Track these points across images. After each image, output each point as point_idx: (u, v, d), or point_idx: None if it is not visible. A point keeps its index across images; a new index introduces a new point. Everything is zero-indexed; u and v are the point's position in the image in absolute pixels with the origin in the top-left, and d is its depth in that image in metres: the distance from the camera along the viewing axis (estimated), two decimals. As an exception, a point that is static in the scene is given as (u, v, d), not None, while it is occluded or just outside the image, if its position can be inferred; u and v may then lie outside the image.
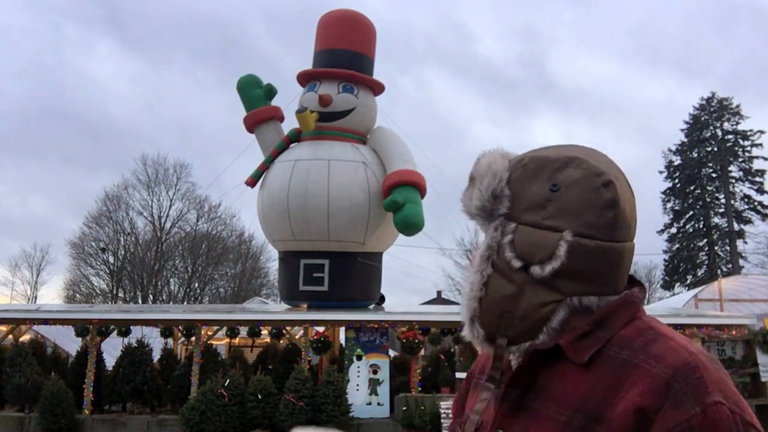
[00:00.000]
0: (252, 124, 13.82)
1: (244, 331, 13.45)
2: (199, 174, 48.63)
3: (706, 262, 37.36)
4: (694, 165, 37.81)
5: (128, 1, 64.52)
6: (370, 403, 11.65)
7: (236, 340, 15.23)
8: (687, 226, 38.29)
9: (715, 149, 37.72)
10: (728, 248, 36.83)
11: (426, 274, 59.50)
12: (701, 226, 37.72)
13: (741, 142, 37.41)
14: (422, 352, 12.44)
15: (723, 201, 37.39)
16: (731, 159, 37.28)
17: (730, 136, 37.67)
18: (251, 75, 14.17)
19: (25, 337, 14.32)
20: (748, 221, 36.48)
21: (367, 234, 12.68)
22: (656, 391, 0.88)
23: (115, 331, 12.24)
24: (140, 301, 36.27)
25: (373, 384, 11.79)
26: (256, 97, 13.83)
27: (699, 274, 37.08)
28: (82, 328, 12.03)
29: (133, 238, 38.00)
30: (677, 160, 38.77)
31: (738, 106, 37.84)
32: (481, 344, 1.05)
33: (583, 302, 0.97)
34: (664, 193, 38.96)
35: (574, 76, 75.32)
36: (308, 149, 13.02)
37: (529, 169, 1.02)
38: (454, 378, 12.09)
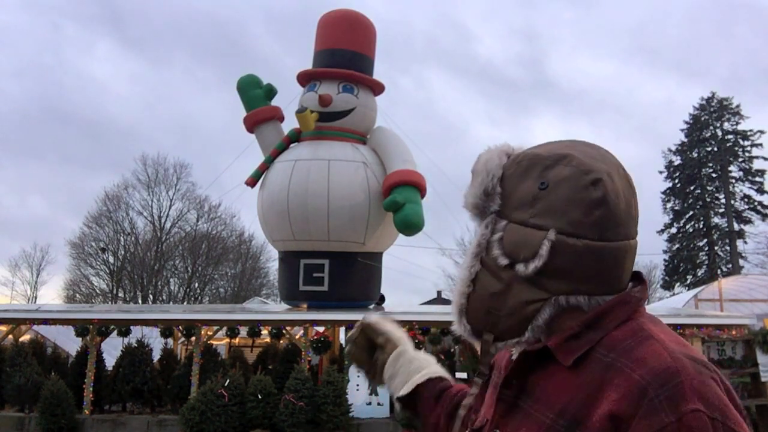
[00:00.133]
0: (252, 124, 13.82)
1: (244, 331, 13.43)
2: (199, 174, 48.60)
3: (706, 262, 37.38)
4: (694, 165, 37.82)
5: (128, 1, 64.58)
6: (370, 403, 11.65)
7: (236, 340, 15.23)
8: (687, 226, 38.31)
9: (715, 149, 37.74)
10: (728, 248, 36.84)
11: (426, 274, 59.46)
12: (701, 226, 37.74)
13: (741, 142, 37.43)
14: (422, 352, 12.43)
15: (723, 201, 37.41)
16: (731, 159, 37.29)
17: (730, 136, 37.68)
18: (251, 75, 14.17)
19: (25, 337, 14.32)
20: (748, 221, 36.51)
21: (367, 234, 12.68)
22: (632, 397, 0.84)
23: (115, 331, 12.24)
24: (140, 301, 36.27)
25: (373, 384, 11.77)
26: (256, 97, 13.83)
27: (699, 274, 37.10)
28: (82, 328, 12.03)
29: (133, 238, 38.03)
30: (677, 160, 38.80)
31: (738, 106, 37.88)
32: (468, 338, 1.06)
33: (571, 301, 0.96)
34: (664, 193, 38.99)
35: (573, 76, 75.43)
36: (308, 149, 13.02)
37: (522, 167, 1.01)
38: (453, 378, 12.07)
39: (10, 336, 12.90)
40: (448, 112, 71.95)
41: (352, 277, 12.73)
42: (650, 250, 35.84)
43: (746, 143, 37.31)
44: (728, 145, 37.36)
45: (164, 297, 38.01)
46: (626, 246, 0.97)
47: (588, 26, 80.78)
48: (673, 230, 38.61)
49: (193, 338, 12.15)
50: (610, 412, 0.85)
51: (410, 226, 11.92)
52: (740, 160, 37.43)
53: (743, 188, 37.38)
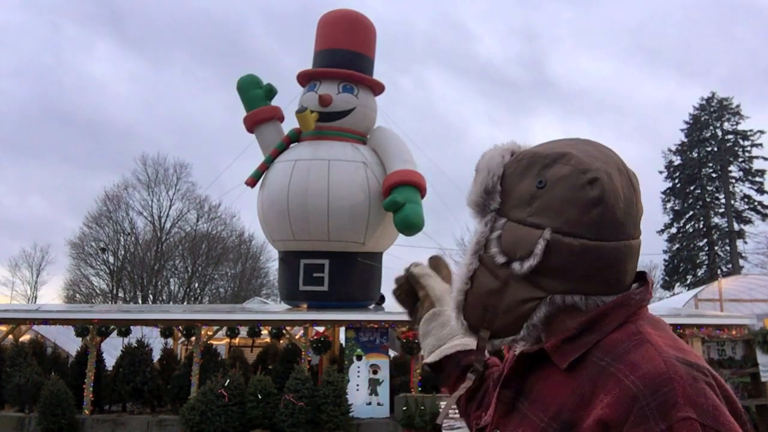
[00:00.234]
0: (252, 124, 13.83)
1: (244, 331, 13.45)
2: (199, 174, 48.55)
3: (706, 262, 37.37)
4: (694, 165, 37.82)
5: (128, 0, 64.58)
6: (370, 403, 11.66)
7: (236, 340, 15.23)
8: (687, 226, 38.30)
9: (715, 149, 37.74)
10: (728, 248, 36.84)
11: (426, 274, 59.28)
12: (701, 226, 37.74)
13: (741, 142, 37.42)
14: (422, 352, 12.43)
15: (723, 201, 37.41)
16: (731, 159, 37.29)
17: (730, 136, 37.68)
18: (251, 75, 14.18)
19: (25, 337, 14.33)
20: (748, 221, 36.50)
21: (367, 234, 12.68)
22: (623, 403, 0.83)
23: (115, 331, 12.25)
24: (140, 301, 36.28)
25: (373, 384, 11.79)
26: (256, 97, 13.84)
27: (699, 274, 37.10)
28: (82, 328, 12.04)
29: (133, 238, 38.03)
30: (677, 160, 38.79)
31: (738, 106, 37.87)
32: (466, 334, 1.07)
33: (567, 301, 0.95)
34: (664, 193, 38.97)
35: (573, 76, 75.48)
36: (308, 149, 13.03)
37: (522, 165, 1.01)
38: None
39: (10, 336, 12.90)
40: (448, 112, 72.09)
41: (352, 277, 12.73)
42: (650, 250, 35.80)
43: (746, 143, 37.31)
44: (728, 145, 37.36)
45: (164, 297, 38.02)
46: (626, 246, 0.95)
47: (588, 26, 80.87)
48: (673, 230, 38.60)
49: (193, 338, 12.15)
50: (601, 418, 0.84)
51: (410, 226, 11.93)
52: (740, 160, 37.43)
53: (743, 188, 37.40)
